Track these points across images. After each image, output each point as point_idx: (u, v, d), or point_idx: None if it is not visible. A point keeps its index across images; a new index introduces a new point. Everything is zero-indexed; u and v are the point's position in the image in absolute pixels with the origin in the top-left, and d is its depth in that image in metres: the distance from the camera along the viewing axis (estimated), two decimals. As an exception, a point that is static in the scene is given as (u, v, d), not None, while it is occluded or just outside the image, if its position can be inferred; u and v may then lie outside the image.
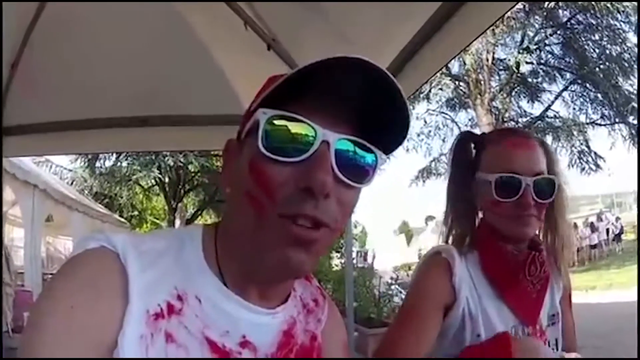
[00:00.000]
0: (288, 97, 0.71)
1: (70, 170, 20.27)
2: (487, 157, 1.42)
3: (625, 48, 16.17)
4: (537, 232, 1.45)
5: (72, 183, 19.05)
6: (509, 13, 13.40)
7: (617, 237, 22.35)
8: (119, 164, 19.21)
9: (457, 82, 18.19)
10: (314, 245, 0.73)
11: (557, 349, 1.43)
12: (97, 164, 19.28)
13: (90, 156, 17.43)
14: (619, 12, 14.98)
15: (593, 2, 13.44)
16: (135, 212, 23.32)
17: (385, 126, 0.75)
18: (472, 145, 1.49)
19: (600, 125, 18.00)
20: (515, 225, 1.35)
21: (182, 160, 17.49)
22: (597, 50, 17.01)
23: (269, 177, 0.70)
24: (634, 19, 15.27)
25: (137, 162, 18.47)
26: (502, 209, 1.36)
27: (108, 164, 19.34)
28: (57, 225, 12.40)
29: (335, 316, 1.00)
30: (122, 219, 18.28)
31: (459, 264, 1.37)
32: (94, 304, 0.67)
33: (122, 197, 20.34)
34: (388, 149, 0.78)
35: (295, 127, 0.71)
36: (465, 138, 1.51)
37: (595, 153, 17.70)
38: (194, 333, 0.73)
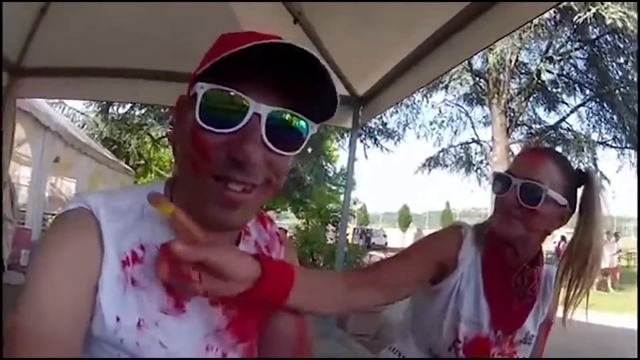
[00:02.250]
0: (226, 72, 0.76)
1: (83, 114, 20.15)
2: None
3: (649, 77, 16.09)
4: (541, 252, 1.51)
5: (83, 126, 18.95)
6: (536, 20, 13.35)
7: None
8: (132, 112, 19.19)
9: (477, 79, 18.06)
10: (244, 205, 0.82)
11: None
12: (110, 110, 19.19)
13: (105, 102, 17.40)
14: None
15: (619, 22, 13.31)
16: (142, 162, 23.32)
17: (315, 100, 0.82)
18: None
19: (611, 146, 18.01)
20: (500, 221, 1.42)
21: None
22: (620, 73, 16.92)
23: (205, 146, 0.77)
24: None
25: (152, 113, 18.52)
26: (496, 204, 1.45)
27: (122, 110, 19.29)
28: (63, 167, 12.31)
29: (291, 262, 1.07)
30: (128, 167, 18.19)
31: (470, 243, 1.47)
32: (79, 254, 0.80)
33: (130, 145, 20.32)
34: (319, 119, 0.86)
35: (228, 101, 0.77)
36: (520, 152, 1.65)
37: (601, 172, 17.64)
38: (153, 277, 0.84)
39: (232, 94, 0.76)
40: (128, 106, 18.41)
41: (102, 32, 3.26)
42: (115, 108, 19.21)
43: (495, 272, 1.47)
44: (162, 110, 17.52)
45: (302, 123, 0.82)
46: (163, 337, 0.84)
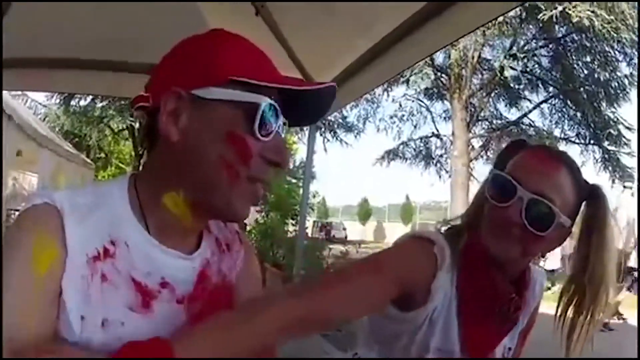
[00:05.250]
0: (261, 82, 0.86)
1: (45, 106, 19.97)
2: (511, 158, 1.24)
3: (615, 76, 16.38)
4: (529, 269, 1.31)
5: (44, 119, 18.73)
6: (501, 18, 13.51)
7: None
8: (93, 104, 18.96)
9: (438, 73, 18.16)
10: None
11: None
12: (72, 102, 18.95)
13: (66, 94, 17.04)
14: (616, 41, 15.07)
15: (593, 18, 13.56)
16: (102, 155, 23.43)
17: (306, 115, 0.98)
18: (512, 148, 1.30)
19: (574, 142, 18.22)
20: (494, 239, 1.19)
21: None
22: (585, 71, 17.09)
23: (249, 151, 0.86)
24: (629, 50, 15.53)
25: (113, 106, 18.30)
26: (491, 213, 1.21)
27: (83, 103, 19.08)
28: (25, 161, 12.11)
29: (250, 264, 1.12)
30: (89, 160, 17.96)
31: (446, 271, 1.20)
32: (43, 255, 0.80)
33: (91, 138, 20.26)
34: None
35: (276, 115, 0.88)
36: (513, 142, 1.35)
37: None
38: (123, 274, 0.86)
39: (279, 110, 0.89)
40: (89, 98, 18.12)
41: (63, 25, 3.16)
42: (76, 101, 18.91)
43: (473, 299, 1.24)
44: (122, 102, 17.31)
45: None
46: (128, 337, 0.82)
